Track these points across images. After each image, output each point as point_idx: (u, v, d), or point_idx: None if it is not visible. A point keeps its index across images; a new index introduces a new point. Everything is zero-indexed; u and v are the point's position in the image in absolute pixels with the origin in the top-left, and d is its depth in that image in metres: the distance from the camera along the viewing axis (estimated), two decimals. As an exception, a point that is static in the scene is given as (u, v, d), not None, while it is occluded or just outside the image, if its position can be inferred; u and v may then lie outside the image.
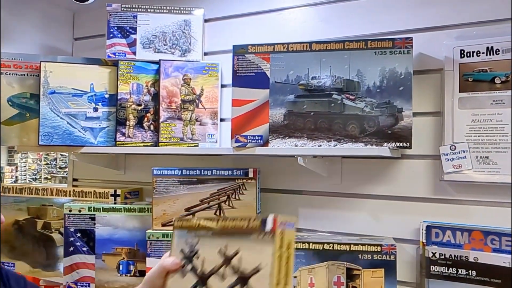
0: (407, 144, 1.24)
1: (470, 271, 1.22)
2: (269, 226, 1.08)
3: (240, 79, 1.37)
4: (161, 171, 1.52)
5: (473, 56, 1.25)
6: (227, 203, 1.46)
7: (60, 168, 8.72)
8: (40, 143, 1.61)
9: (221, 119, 1.65)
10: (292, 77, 1.33)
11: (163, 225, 1.50)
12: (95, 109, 1.65)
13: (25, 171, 9.02)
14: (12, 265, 1.80)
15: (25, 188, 1.82)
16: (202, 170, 1.49)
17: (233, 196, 1.46)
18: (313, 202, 1.50)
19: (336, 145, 1.28)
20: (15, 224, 1.81)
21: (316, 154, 1.28)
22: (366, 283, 1.28)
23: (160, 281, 1.28)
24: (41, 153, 10.32)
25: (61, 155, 10.21)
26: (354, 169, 1.44)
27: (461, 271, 1.23)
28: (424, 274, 1.28)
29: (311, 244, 1.30)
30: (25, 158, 9.00)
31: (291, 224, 1.10)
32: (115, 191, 1.70)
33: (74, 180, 2.01)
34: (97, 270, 1.59)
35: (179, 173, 1.50)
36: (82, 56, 1.71)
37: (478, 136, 1.24)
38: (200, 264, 1.11)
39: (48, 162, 8.91)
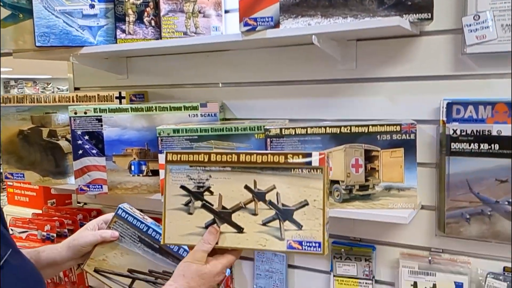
0: (428, 15, 1.17)
1: (492, 145, 1.18)
2: (316, 160, 1.02)
3: (246, -43, 1.26)
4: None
5: None
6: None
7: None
8: (37, 44, 1.53)
9: (226, 11, 1.56)
10: (303, -50, 1.23)
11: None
12: (92, 6, 1.56)
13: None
14: (22, 175, 1.78)
15: (27, 97, 1.76)
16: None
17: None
18: (326, 90, 1.44)
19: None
20: (19, 134, 1.77)
21: (332, 31, 1.20)
22: (385, 164, 1.25)
23: (88, 248, 1.25)
24: (37, 87, 10.19)
25: (58, 88, 10.08)
26: (369, 51, 1.37)
27: (483, 146, 1.19)
28: (445, 153, 1.25)
29: (327, 128, 1.26)
30: (21, 91, 8.88)
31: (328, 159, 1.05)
32: (120, 93, 1.64)
33: (76, 89, 1.95)
34: (109, 172, 1.56)
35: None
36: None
37: (504, 3, 1.16)
38: (217, 200, 1.07)
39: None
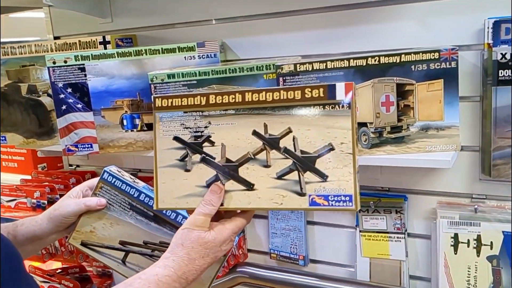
0: None
1: (552, 69, 0.99)
2: (341, 93, 0.81)
3: None
4: None
5: None
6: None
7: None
8: (1, -16, 1.30)
9: None
10: None
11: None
12: None
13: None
14: (3, 138, 1.59)
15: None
16: None
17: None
18: (343, 18, 1.23)
19: None
20: (-4, 92, 1.57)
21: None
22: (421, 99, 1.05)
23: (72, 219, 1.06)
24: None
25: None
26: (394, -33, 1.14)
27: (540, 71, 1.00)
28: (491, 82, 1.05)
29: (351, 60, 1.06)
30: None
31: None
32: (104, 37, 1.43)
33: (56, 38, 1.73)
34: (98, 128, 1.37)
35: None
36: None
37: None
38: (219, 152, 0.86)
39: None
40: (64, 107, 1.36)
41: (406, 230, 1.25)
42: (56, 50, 1.48)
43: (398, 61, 1.04)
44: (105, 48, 1.43)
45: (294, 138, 0.83)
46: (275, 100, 0.83)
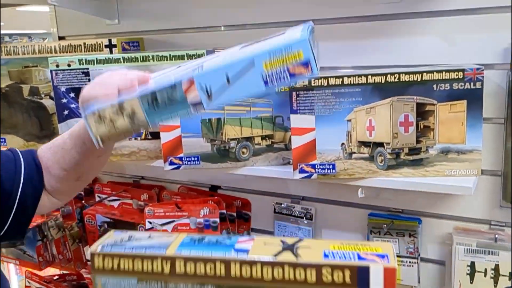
0: None
1: None
2: (378, 283, 0.50)
3: None
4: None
5: None
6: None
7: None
8: (5, -18, 1.25)
9: None
10: None
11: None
12: None
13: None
14: (3, 140, 1.54)
15: (2, 48, 1.50)
16: None
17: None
18: (361, 30, 1.17)
19: None
20: (-3, 93, 1.52)
21: None
22: (442, 121, 0.99)
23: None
24: (32, 42, 9.81)
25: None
26: (417, -21, 1.08)
27: None
28: (517, 105, 0.99)
29: (369, 77, 1.00)
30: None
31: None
32: (110, 40, 1.37)
33: (61, 38, 1.68)
34: (101, 135, 1.31)
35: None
36: None
37: None
38: None
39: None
40: (66, 112, 1.31)
41: (419, 255, 1.19)
42: (60, 52, 1.43)
43: (419, 79, 0.98)
44: (111, 51, 1.37)
45: None
46: (276, 280, 0.53)
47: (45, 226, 1.55)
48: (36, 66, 1.47)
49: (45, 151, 0.92)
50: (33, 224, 1.48)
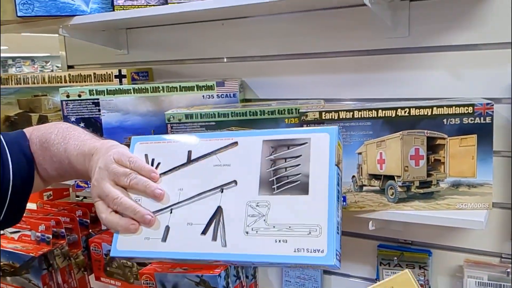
0: (515, -37, 0.90)
1: None
2: None
3: None
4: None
5: None
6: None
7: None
8: (18, 14, 1.27)
9: (245, -31, 1.28)
10: None
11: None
12: (83, -34, 1.29)
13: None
14: (10, 168, 1.54)
15: (12, 77, 1.51)
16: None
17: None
18: (370, 63, 1.19)
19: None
20: (6, 121, 1.53)
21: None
22: (453, 154, 1.00)
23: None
24: (36, 65, 9.90)
25: (57, 67, 9.76)
26: (425, 15, 1.10)
27: None
28: (526, 139, 1.00)
29: (380, 111, 1.01)
30: (19, 70, 8.62)
31: None
32: (120, 71, 1.39)
33: (70, 67, 1.70)
34: (110, 165, 1.32)
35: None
36: None
37: None
38: None
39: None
40: (75, 142, 1.32)
41: (430, 287, 1.19)
42: (70, 81, 1.44)
43: (429, 113, 0.99)
44: (121, 82, 1.39)
45: None
46: None
47: (51, 255, 1.54)
48: (46, 95, 1.48)
49: (39, 154, 0.90)
50: (39, 253, 1.47)
